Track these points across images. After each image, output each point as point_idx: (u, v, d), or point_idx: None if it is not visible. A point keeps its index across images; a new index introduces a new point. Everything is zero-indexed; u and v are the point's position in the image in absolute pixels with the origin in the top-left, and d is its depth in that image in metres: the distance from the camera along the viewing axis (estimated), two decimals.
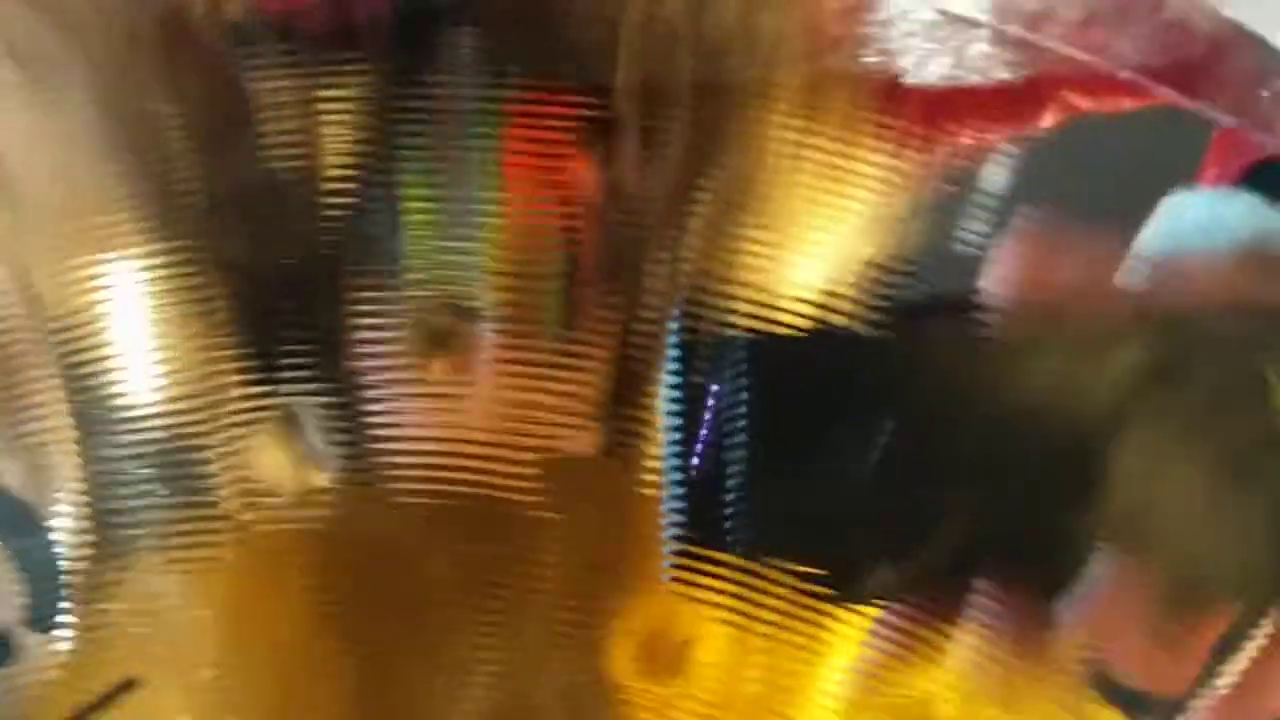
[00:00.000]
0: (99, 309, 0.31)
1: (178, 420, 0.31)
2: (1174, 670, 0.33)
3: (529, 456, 0.31)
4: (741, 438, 0.32)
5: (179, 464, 0.31)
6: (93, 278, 0.31)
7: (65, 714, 0.30)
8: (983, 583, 0.32)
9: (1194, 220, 0.32)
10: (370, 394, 0.31)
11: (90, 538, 0.31)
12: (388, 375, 0.31)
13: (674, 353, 0.32)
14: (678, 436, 0.32)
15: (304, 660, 0.31)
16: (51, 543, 0.31)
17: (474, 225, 0.31)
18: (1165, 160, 0.32)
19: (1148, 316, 0.31)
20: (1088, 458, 0.32)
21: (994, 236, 0.32)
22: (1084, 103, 0.32)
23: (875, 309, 0.32)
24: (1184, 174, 0.32)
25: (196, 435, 0.31)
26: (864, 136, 0.31)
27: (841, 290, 0.32)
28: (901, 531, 0.33)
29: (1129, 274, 0.32)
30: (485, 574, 0.31)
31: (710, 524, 0.33)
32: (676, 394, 0.32)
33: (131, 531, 0.31)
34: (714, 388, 0.32)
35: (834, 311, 0.32)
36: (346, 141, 0.30)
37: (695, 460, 0.33)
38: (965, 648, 0.33)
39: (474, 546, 0.31)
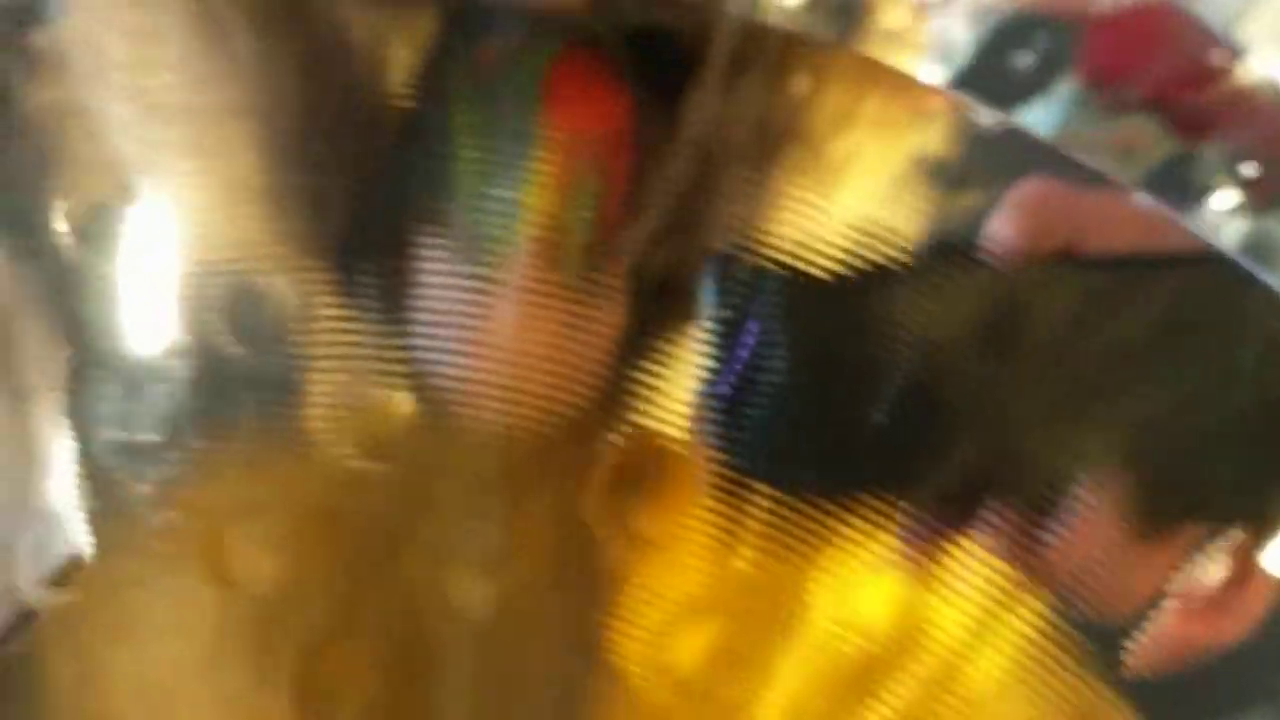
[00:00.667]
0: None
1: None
2: (1127, 593, 0.34)
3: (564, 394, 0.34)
4: (774, 373, 0.35)
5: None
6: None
7: None
8: (983, 506, 0.35)
9: None
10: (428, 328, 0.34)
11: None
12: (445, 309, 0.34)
13: (712, 287, 0.35)
14: (713, 364, 0.35)
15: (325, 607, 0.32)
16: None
17: (518, 165, 0.33)
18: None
19: None
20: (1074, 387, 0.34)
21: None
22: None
23: (904, 255, 0.34)
24: None
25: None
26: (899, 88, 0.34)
27: (874, 236, 0.34)
28: (911, 460, 0.35)
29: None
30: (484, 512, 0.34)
31: (738, 443, 0.35)
32: (713, 325, 0.35)
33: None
34: (750, 323, 0.35)
35: (863, 256, 0.34)
36: (411, 74, 0.33)
37: (727, 388, 0.35)
38: (967, 566, 0.35)
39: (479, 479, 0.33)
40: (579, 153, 0.33)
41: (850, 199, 0.35)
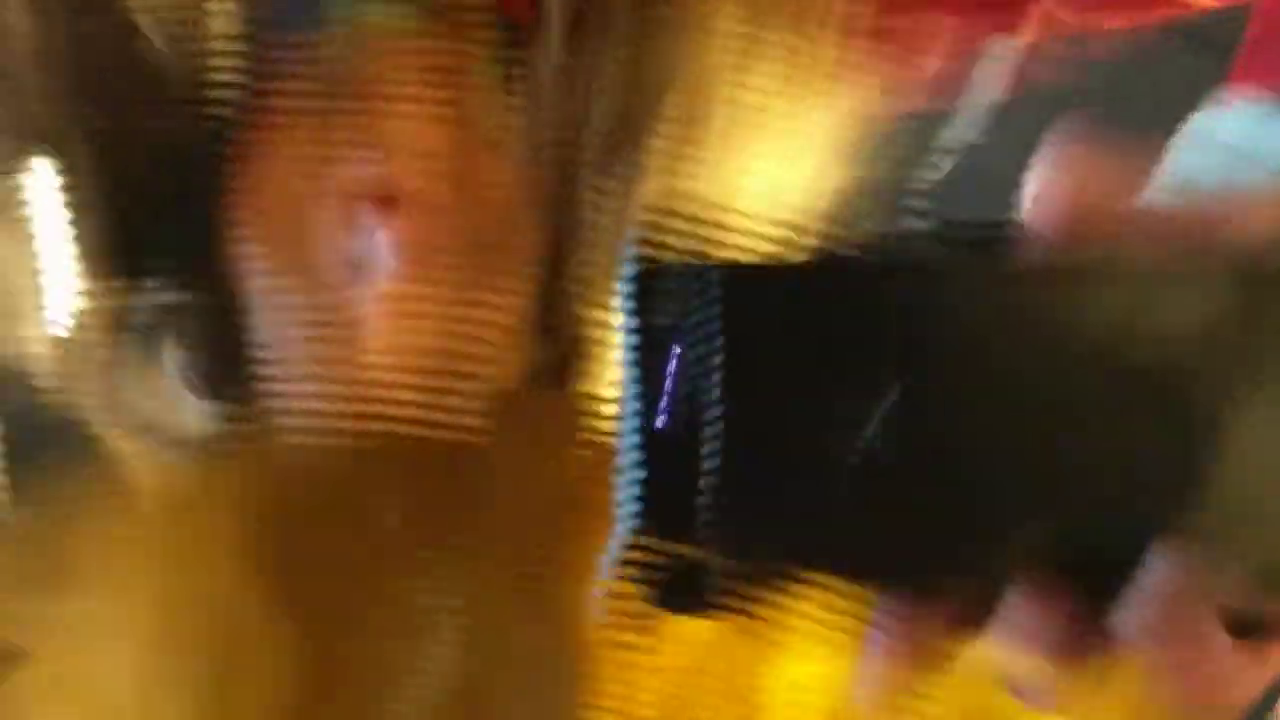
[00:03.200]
0: None
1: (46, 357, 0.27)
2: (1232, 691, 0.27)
3: (458, 385, 0.26)
4: (714, 392, 0.26)
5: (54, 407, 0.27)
6: None
7: None
8: (1016, 585, 0.26)
9: (1229, 140, 0.28)
10: (255, 317, 0.26)
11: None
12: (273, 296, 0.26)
13: (627, 288, 0.26)
14: (636, 389, 0.26)
15: (239, 624, 0.27)
16: None
17: None
18: (1184, 76, 0.28)
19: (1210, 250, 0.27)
20: (1156, 421, 0.26)
21: (1001, 157, 0.27)
22: (1068, 15, 0.28)
23: (871, 239, 0.27)
24: (1207, 90, 0.28)
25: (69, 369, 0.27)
26: (827, 34, 0.27)
27: (826, 216, 0.27)
28: (912, 525, 0.27)
29: (1158, 195, 0.27)
30: (436, 523, 0.27)
31: (673, 506, 0.26)
32: (634, 338, 0.26)
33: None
34: (681, 333, 0.27)
35: (823, 240, 0.27)
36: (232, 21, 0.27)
37: (660, 418, 0.26)
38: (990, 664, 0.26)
39: (418, 490, 0.27)
40: None
41: (792, 169, 0.27)
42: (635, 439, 0.27)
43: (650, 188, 0.27)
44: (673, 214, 0.27)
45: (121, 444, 0.27)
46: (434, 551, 0.27)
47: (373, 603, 0.27)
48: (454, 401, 0.27)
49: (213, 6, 0.26)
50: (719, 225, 0.27)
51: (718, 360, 0.27)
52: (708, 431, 0.27)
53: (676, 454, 0.27)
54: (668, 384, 0.27)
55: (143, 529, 0.27)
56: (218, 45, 0.26)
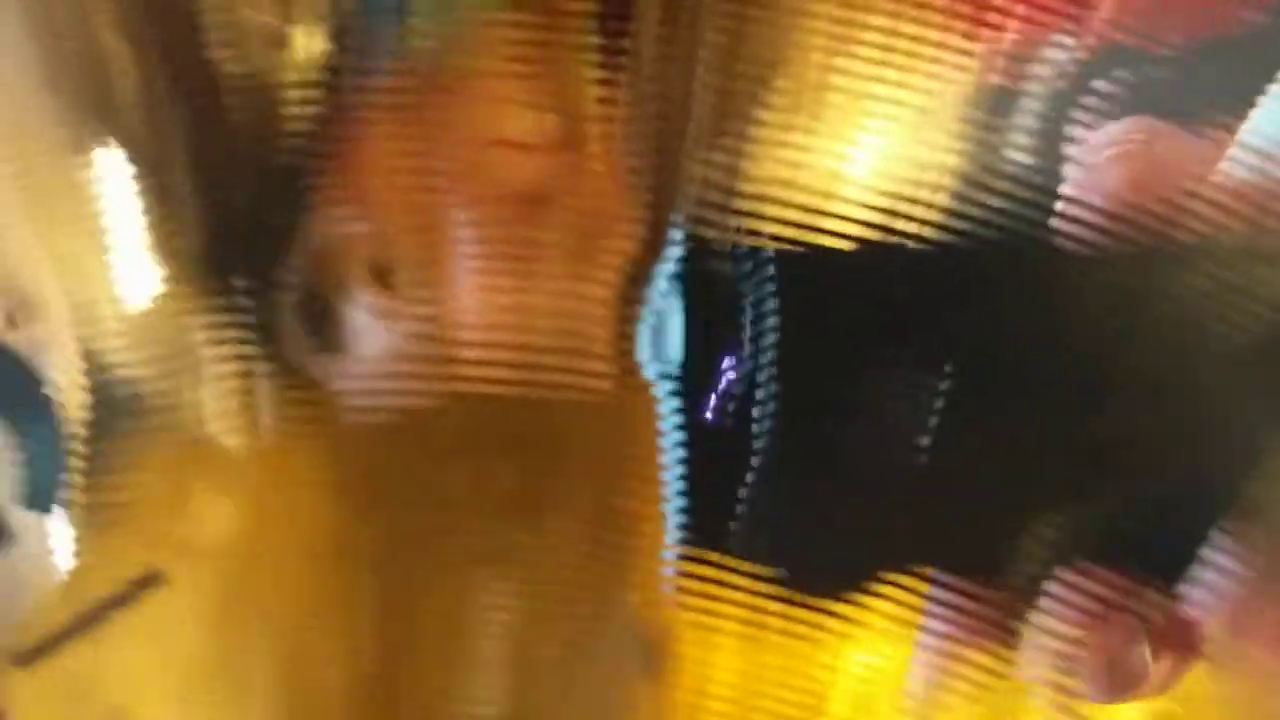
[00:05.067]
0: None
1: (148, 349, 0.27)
2: None
3: (554, 377, 0.26)
4: (771, 385, 0.25)
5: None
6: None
7: (81, 607, 0.28)
8: (1081, 571, 0.25)
9: None
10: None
11: (91, 414, 0.28)
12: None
13: (679, 271, 0.25)
14: (684, 384, 0.25)
15: (322, 587, 0.27)
16: (51, 414, 0.28)
17: None
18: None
19: None
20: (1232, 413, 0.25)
21: (1082, 136, 0.25)
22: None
23: (944, 223, 0.25)
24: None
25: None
26: (920, 13, 0.25)
27: (898, 200, 0.25)
28: (974, 514, 0.25)
29: (1240, 168, 0.25)
30: (506, 499, 0.26)
31: (721, 517, 0.25)
32: (686, 326, 0.25)
33: (134, 414, 0.27)
34: (734, 320, 0.25)
35: (888, 226, 0.25)
36: (317, 39, 0.26)
37: (709, 414, 0.25)
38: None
39: (490, 463, 0.26)
40: None
41: (868, 151, 0.26)
42: (681, 437, 0.25)
43: (750, 172, 0.25)
44: (773, 199, 0.25)
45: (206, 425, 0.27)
46: (501, 528, 0.27)
47: (441, 569, 0.27)
48: (550, 388, 0.26)
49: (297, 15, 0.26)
50: (820, 210, 0.25)
51: (772, 348, 0.25)
52: (759, 424, 0.25)
53: (726, 446, 0.25)
54: (720, 376, 0.25)
55: (227, 495, 0.27)
56: (307, 51, 0.26)
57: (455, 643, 0.27)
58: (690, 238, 0.25)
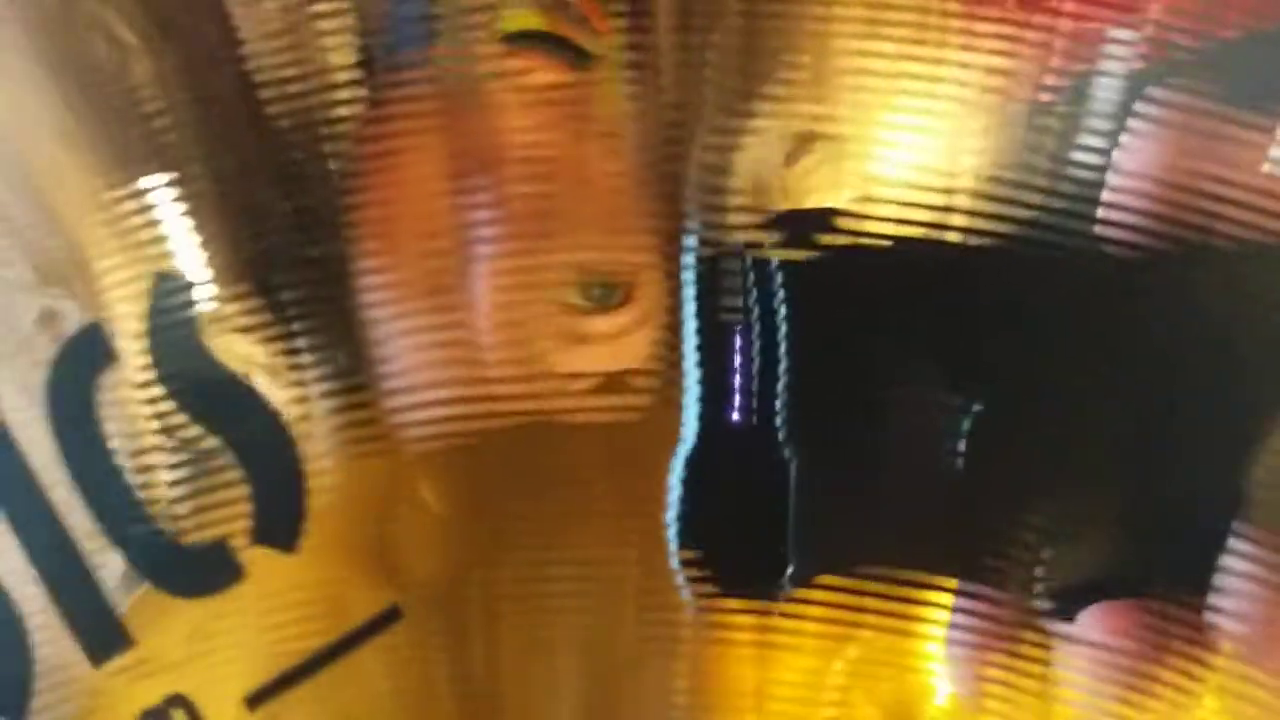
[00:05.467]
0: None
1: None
2: None
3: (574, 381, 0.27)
4: (789, 380, 0.25)
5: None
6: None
7: (315, 644, 0.28)
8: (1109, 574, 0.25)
9: None
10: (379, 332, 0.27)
11: None
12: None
13: (698, 270, 0.25)
14: (705, 385, 0.25)
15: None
16: (286, 444, 0.28)
17: None
18: None
19: None
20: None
21: (1120, 136, 0.25)
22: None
23: (977, 225, 0.25)
24: None
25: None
26: (947, 13, 0.26)
27: (965, 195, 0.25)
28: (1004, 530, 0.25)
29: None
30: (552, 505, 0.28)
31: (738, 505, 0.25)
32: (701, 328, 0.25)
33: None
34: (749, 323, 0.26)
35: (917, 225, 0.25)
36: (347, 46, 0.27)
37: (731, 413, 0.25)
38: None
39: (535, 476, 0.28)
40: None
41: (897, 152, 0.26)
42: (699, 435, 0.26)
43: (770, 167, 0.26)
44: (800, 196, 0.26)
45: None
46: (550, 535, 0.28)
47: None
48: (568, 395, 0.27)
49: (328, 41, 0.27)
50: (850, 207, 0.26)
51: (788, 352, 0.25)
52: (778, 429, 0.25)
53: (745, 448, 0.25)
54: (736, 377, 0.26)
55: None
56: (335, 73, 0.27)
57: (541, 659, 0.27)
58: (705, 243, 0.26)
